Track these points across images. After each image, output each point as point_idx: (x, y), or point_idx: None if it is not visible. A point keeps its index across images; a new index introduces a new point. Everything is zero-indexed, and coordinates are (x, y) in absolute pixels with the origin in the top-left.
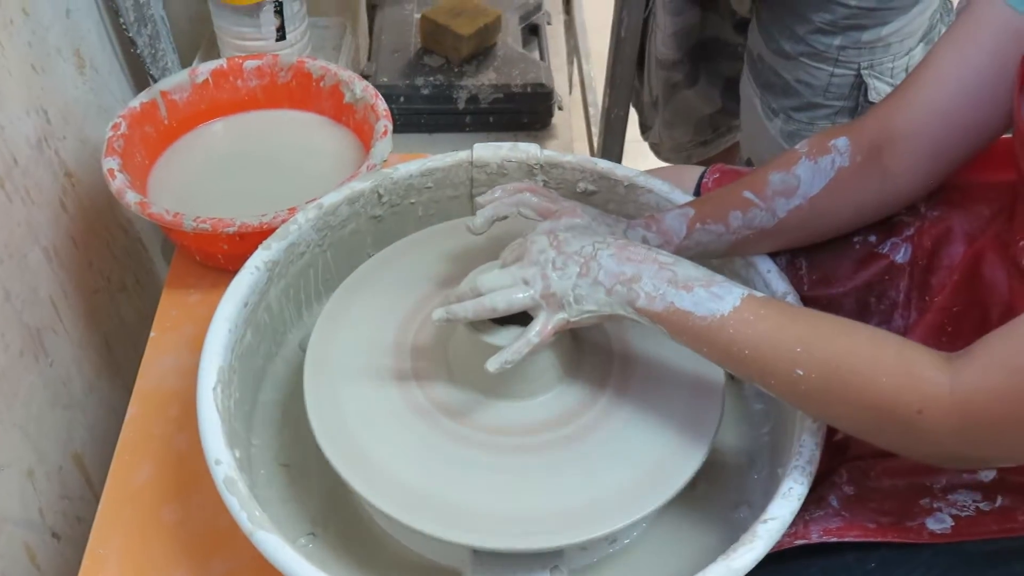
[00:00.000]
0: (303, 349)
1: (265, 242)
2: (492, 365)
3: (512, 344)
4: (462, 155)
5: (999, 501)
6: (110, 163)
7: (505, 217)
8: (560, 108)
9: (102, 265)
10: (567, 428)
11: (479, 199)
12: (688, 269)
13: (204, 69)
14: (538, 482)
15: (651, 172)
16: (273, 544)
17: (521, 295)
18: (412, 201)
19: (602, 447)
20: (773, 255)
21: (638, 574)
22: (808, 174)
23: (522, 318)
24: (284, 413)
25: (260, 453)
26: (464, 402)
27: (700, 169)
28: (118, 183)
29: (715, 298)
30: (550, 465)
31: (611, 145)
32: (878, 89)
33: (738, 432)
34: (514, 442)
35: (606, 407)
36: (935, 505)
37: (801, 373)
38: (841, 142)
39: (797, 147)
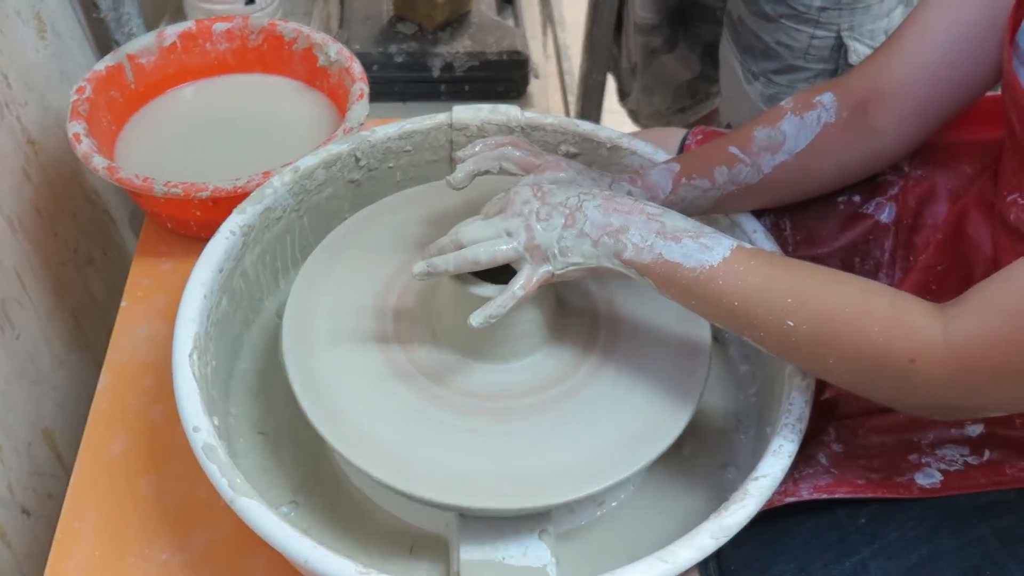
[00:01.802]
0: (280, 317)
1: (240, 206)
2: (476, 319)
3: (496, 298)
4: (441, 117)
5: (987, 455)
6: (75, 127)
7: (487, 171)
8: (536, 76)
9: (68, 236)
10: (553, 390)
11: (459, 153)
12: (677, 220)
13: (172, 32)
14: (524, 444)
15: (634, 134)
16: (256, 511)
17: (504, 247)
18: (390, 165)
19: (588, 409)
20: (758, 215)
21: (627, 536)
22: (793, 130)
23: (505, 274)
24: (262, 382)
25: (238, 423)
26: (448, 365)
27: (683, 131)
28: (84, 147)
29: (704, 249)
30: (536, 427)
31: (588, 112)
32: (858, 51)
33: (725, 394)
34: (499, 404)
35: (592, 369)
36: (923, 460)
37: (792, 325)
38: (827, 98)
39: (783, 103)
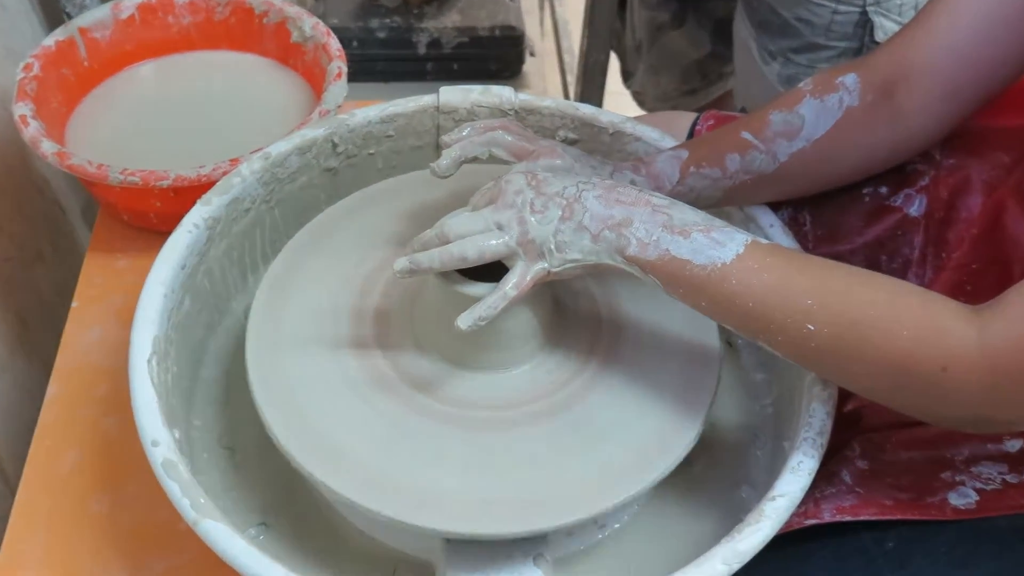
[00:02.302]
0: (247, 320)
1: (204, 196)
2: (463, 322)
3: (485, 298)
4: (427, 100)
5: None
6: (22, 109)
7: (475, 158)
8: (532, 54)
9: (13, 230)
10: (548, 401)
11: (445, 138)
12: (685, 213)
13: (129, 3)
14: (516, 461)
15: (639, 119)
16: (221, 534)
17: (495, 242)
18: (371, 152)
19: (588, 422)
20: (774, 208)
21: (631, 562)
22: (813, 114)
23: (497, 272)
24: (228, 391)
25: (202, 436)
26: (433, 373)
27: (693, 115)
28: (32, 131)
29: (716, 244)
30: (530, 442)
31: (589, 94)
32: (885, 28)
33: (738, 405)
34: (489, 417)
35: (592, 378)
36: (957, 479)
37: (812, 328)
38: (849, 79)
39: (801, 85)
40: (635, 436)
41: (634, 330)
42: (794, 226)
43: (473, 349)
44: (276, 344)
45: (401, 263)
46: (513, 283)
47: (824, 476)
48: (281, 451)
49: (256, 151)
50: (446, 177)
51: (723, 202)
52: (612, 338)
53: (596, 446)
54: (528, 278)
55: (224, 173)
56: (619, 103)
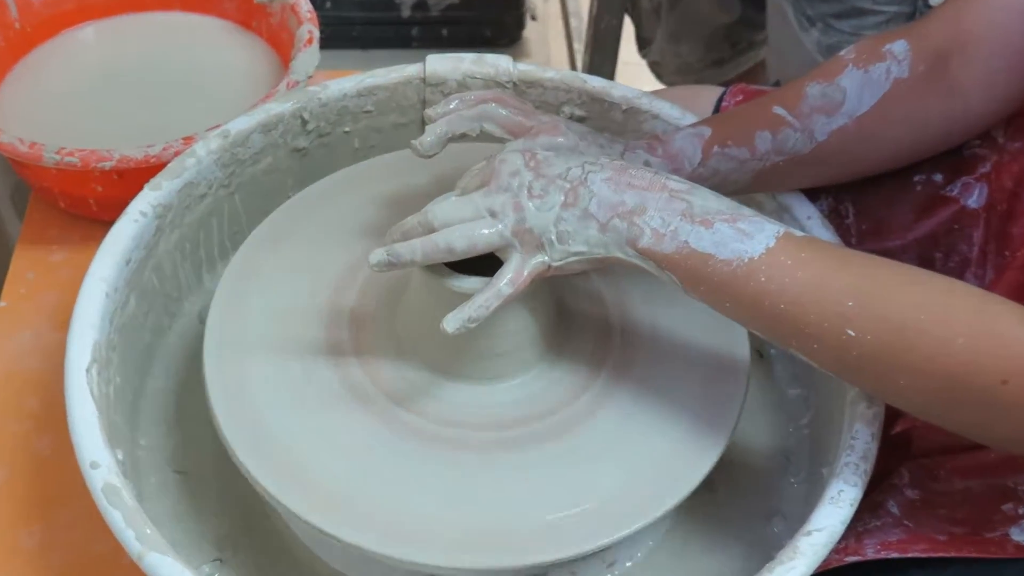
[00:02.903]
0: (204, 322)
1: (153, 180)
2: (450, 324)
3: (476, 296)
4: (411, 70)
5: None
6: None
7: (464, 135)
8: (533, 18)
9: None
10: (550, 419)
11: (429, 111)
12: (707, 199)
13: None
14: (512, 486)
15: (657, 93)
16: (170, 570)
17: (487, 231)
18: (346, 130)
19: (594, 442)
20: (812, 196)
21: None
22: (856, 86)
23: (491, 267)
24: (180, 405)
25: (149, 456)
26: (416, 384)
27: (719, 90)
28: None
29: (742, 236)
30: (528, 465)
31: (600, 65)
32: None
33: (770, 424)
34: (482, 436)
35: (599, 393)
36: (1021, 511)
37: (853, 334)
38: (898, 47)
39: (843, 53)
40: (648, 459)
41: (649, 337)
42: (835, 218)
43: (462, 357)
44: (237, 351)
45: (378, 255)
46: (508, 279)
47: (868, 507)
48: (243, 474)
49: (213, 128)
50: (430, 156)
51: (752, 188)
52: (623, 346)
53: (603, 470)
54: (525, 273)
55: (176, 154)
56: (634, 75)
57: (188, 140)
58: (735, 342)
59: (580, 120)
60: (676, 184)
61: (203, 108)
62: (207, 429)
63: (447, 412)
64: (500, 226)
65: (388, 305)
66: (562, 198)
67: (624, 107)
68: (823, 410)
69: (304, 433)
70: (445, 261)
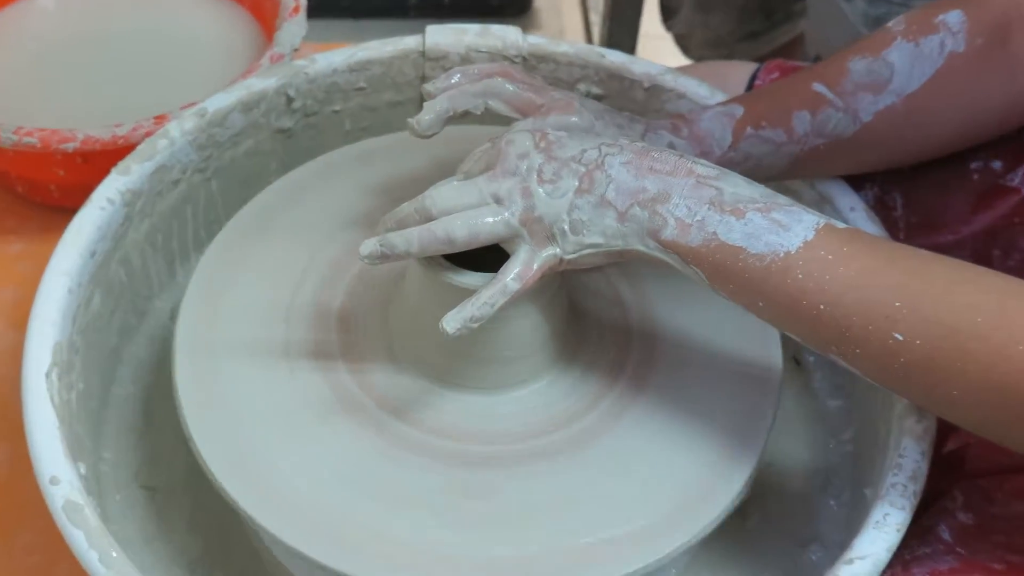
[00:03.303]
0: (176, 322)
1: (121, 164)
2: (450, 323)
3: (480, 292)
4: (409, 42)
5: None
6: None
7: (466, 113)
8: None
9: None
10: (561, 433)
11: (428, 86)
12: (739, 186)
13: None
14: (518, 509)
15: (683, 69)
16: None
17: (492, 219)
18: (336, 109)
19: (610, 461)
20: (855, 184)
21: None
22: (906, 62)
23: (495, 261)
24: (149, 414)
25: (115, 471)
26: (412, 393)
27: (752, 66)
28: None
29: (778, 228)
30: (536, 485)
31: (619, 38)
32: None
33: (808, 440)
34: (483, 452)
35: (617, 404)
36: None
37: (901, 339)
38: (953, 18)
39: (891, 24)
40: (669, 481)
41: (672, 341)
42: (882, 210)
43: (464, 362)
44: (213, 354)
45: (369, 246)
46: (515, 273)
47: (917, 532)
48: (218, 492)
49: (188, 106)
50: (428, 136)
51: (788, 174)
52: (644, 352)
53: (620, 492)
54: (535, 267)
55: (147, 134)
56: (657, 49)
57: (160, 119)
58: (767, 346)
59: (597, 99)
60: (704, 169)
61: (177, 84)
62: (178, 441)
63: (447, 424)
64: (506, 214)
65: (381, 304)
66: (576, 183)
67: (646, 85)
68: (867, 424)
69: (287, 447)
70: (444, 253)
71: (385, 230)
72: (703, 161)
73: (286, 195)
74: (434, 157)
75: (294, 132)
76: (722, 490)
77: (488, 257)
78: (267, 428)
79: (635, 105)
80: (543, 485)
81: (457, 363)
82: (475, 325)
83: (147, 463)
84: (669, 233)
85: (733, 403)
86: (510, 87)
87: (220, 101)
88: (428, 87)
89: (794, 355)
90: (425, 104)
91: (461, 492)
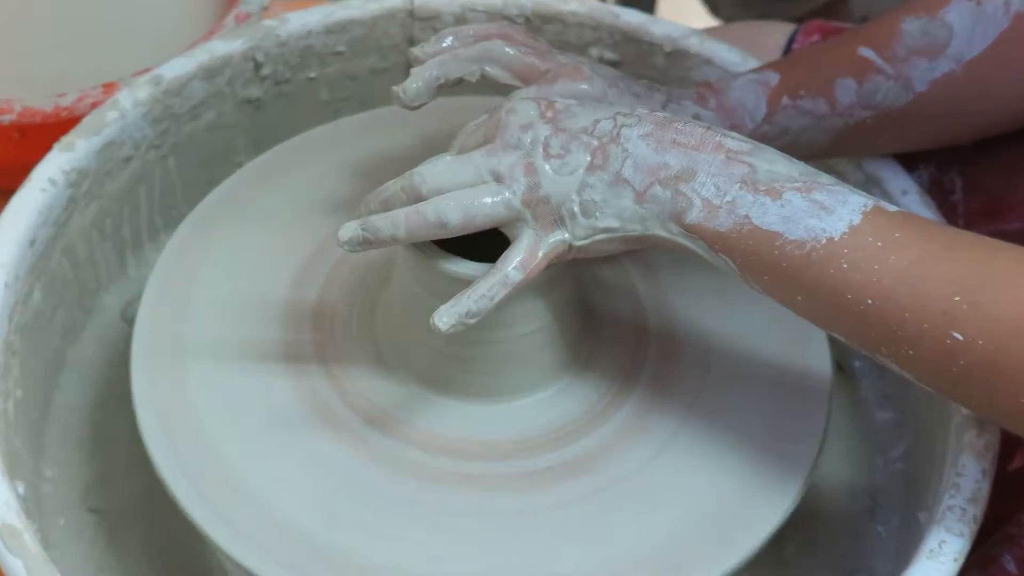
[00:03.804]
0: (128, 320)
1: (64, 139)
2: (444, 319)
3: (476, 284)
4: (395, 0)
5: None
6: None
7: (460, 80)
8: None
9: None
10: (570, 450)
11: (416, 50)
12: (775, 163)
13: None
14: (523, 536)
15: (710, 31)
16: None
17: (490, 199)
18: (312, 76)
19: (627, 483)
20: (908, 164)
21: None
22: (966, 23)
23: (495, 248)
24: (98, 426)
25: (58, 491)
26: (402, 403)
27: (790, 27)
28: None
29: (819, 211)
30: (541, 510)
31: None
32: None
33: (853, 457)
34: (484, 470)
35: (634, 416)
36: None
37: (960, 338)
38: None
39: None
40: (698, 504)
41: (698, 343)
42: (938, 193)
43: (459, 367)
44: (175, 357)
45: (350, 230)
46: (518, 262)
47: (977, 562)
48: (181, 515)
49: (141, 73)
50: (416, 108)
51: (830, 151)
52: (665, 356)
53: (641, 517)
54: (540, 255)
55: (94, 105)
56: (680, 9)
57: (109, 88)
58: (812, 351)
59: (611, 66)
60: (735, 143)
61: (128, 47)
62: (132, 457)
63: (440, 439)
64: (507, 194)
65: (365, 299)
66: (588, 159)
67: (667, 49)
68: (920, 439)
69: (259, 465)
70: (436, 238)
71: (368, 212)
72: (734, 134)
73: (256, 176)
74: (424, 132)
75: (263, 103)
76: (762, 515)
77: (487, 244)
78: (234, 439)
79: (655, 72)
80: (551, 511)
81: (451, 367)
82: (471, 321)
83: (96, 482)
84: (695, 216)
85: (772, 416)
86: (510, 51)
87: (178, 67)
88: (416, 51)
89: (837, 359)
90: (413, 71)
91: (455, 519)
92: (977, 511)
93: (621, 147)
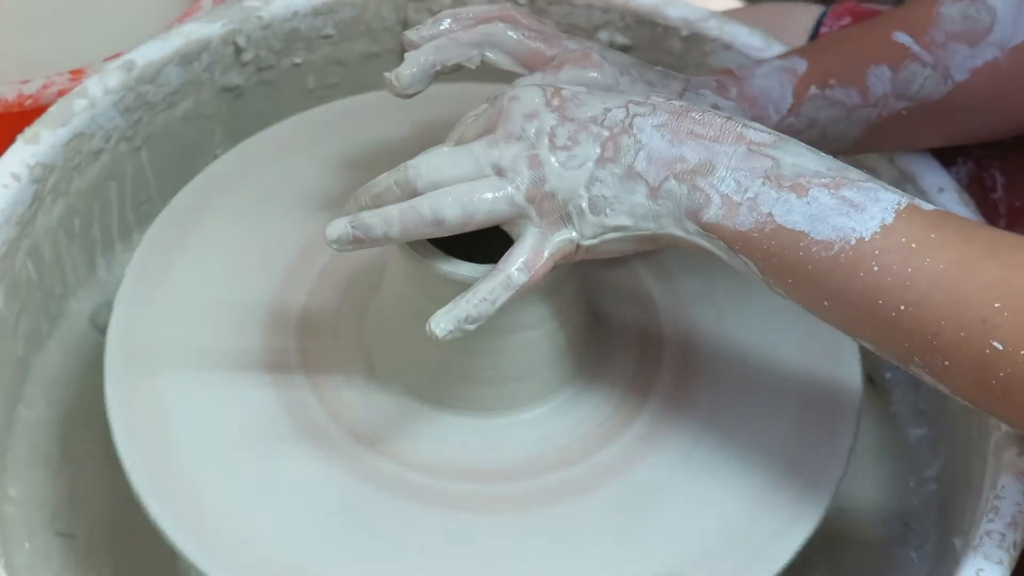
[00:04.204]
0: (99, 327)
1: (29, 130)
2: (441, 325)
3: (477, 287)
4: None
5: None
6: None
7: (458, 68)
8: None
9: None
10: (578, 468)
11: (410, 33)
12: (801, 156)
13: None
14: (526, 561)
15: (731, 13)
16: None
17: (490, 195)
18: (297, 61)
19: (638, 506)
20: (946, 160)
21: None
22: (1010, 5)
23: (496, 248)
24: (66, 442)
25: (23, 513)
26: (394, 417)
27: (817, 9)
28: None
29: (849, 209)
30: (549, 531)
31: None
32: None
33: (884, 477)
34: (484, 491)
35: (647, 430)
36: None
37: (1001, 348)
38: None
39: None
40: (715, 525)
41: (716, 353)
42: (978, 190)
43: (458, 378)
44: (150, 367)
45: (338, 227)
46: (522, 262)
47: None
48: (161, 538)
49: (112, 58)
50: (409, 96)
51: (862, 146)
52: (680, 366)
53: (654, 540)
54: (546, 255)
55: (61, 93)
56: None
57: (77, 74)
58: (841, 362)
59: (623, 51)
60: (757, 134)
61: (98, 31)
62: (103, 477)
63: (435, 458)
64: (510, 188)
65: (355, 304)
66: (598, 151)
67: (684, 33)
68: (957, 458)
69: (241, 485)
70: (432, 237)
71: (358, 208)
72: (756, 125)
73: (236, 171)
74: (420, 122)
75: (244, 91)
76: (783, 539)
77: (488, 245)
78: (215, 458)
79: (671, 58)
80: (556, 536)
81: (449, 379)
82: (471, 327)
83: (64, 503)
84: (713, 214)
85: (796, 432)
86: (513, 35)
87: (152, 52)
88: (411, 35)
89: (868, 371)
90: (406, 55)
91: (456, 541)
92: (1017, 537)
93: (634, 138)
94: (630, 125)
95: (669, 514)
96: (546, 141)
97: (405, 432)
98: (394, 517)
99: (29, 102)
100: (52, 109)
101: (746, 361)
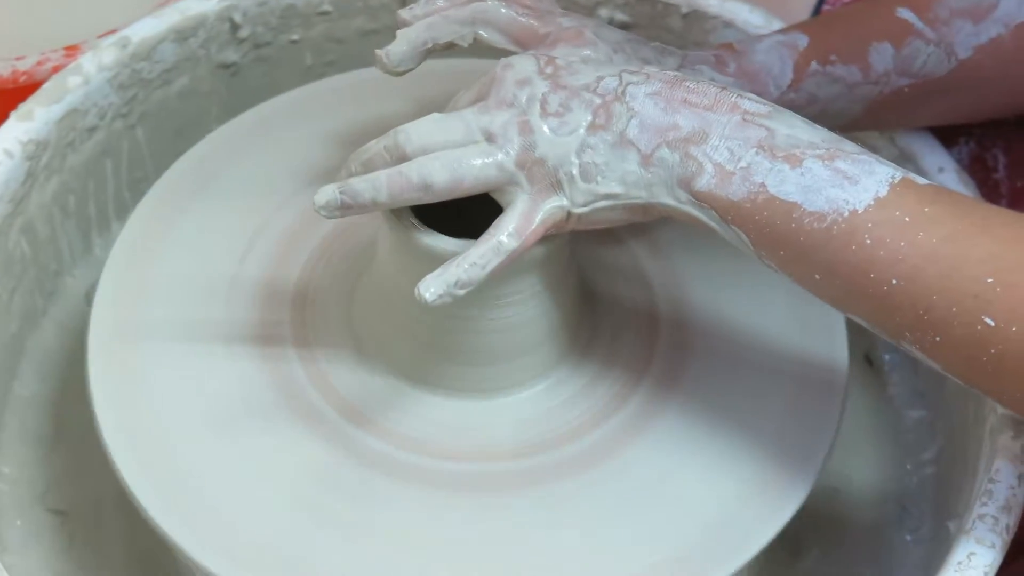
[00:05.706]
0: (92, 302)
1: (22, 107)
2: (430, 288)
3: (468, 252)
4: None
5: None
6: None
7: (451, 45)
8: None
9: None
10: (571, 447)
11: (404, 12)
12: (795, 127)
13: None
14: (513, 547)
15: None
16: None
17: (479, 160)
18: (294, 38)
19: (629, 484)
20: (947, 139)
21: None
22: None
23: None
24: (59, 420)
25: (16, 490)
26: (385, 396)
27: None
28: None
29: (843, 180)
30: (534, 515)
31: None
32: None
33: (880, 460)
34: (472, 473)
35: (640, 409)
36: None
37: (993, 324)
38: None
39: None
40: (702, 507)
41: (709, 330)
42: (979, 170)
43: (446, 357)
44: (136, 341)
45: (326, 193)
46: (512, 228)
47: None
48: (143, 517)
49: (107, 34)
50: (400, 73)
51: (862, 123)
52: (673, 345)
53: (642, 521)
54: (536, 221)
55: (55, 70)
56: None
57: (72, 50)
58: (829, 336)
59: (622, 28)
60: (752, 104)
61: (94, 7)
62: (96, 454)
63: (424, 437)
64: (500, 155)
65: (346, 281)
66: (589, 118)
67: (684, 10)
68: (953, 441)
69: (228, 463)
70: (421, 202)
71: (348, 174)
72: (751, 95)
73: (231, 146)
74: (416, 99)
75: (240, 68)
76: (768, 518)
77: (479, 218)
78: (203, 438)
79: (671, 36)
80: (547, 515)
81: (438, 358)
82: (461, 292)
83: (57, 481)
84: (705, 182)
85: (787, 410)
86: (506, 11)
87: (147, 28)
88: (404, 13)
89: (866, 353)
90: (399, 32)
91: (442, 525)
92: (1010, 520)
93: (626, 106)
94: (623, 93)
95: (659, 494)
96: (537, 107)
97: (395, 412)
98: (379, 495)
99: (23, 78)
100: (46, 86)
101: (737, 339)
